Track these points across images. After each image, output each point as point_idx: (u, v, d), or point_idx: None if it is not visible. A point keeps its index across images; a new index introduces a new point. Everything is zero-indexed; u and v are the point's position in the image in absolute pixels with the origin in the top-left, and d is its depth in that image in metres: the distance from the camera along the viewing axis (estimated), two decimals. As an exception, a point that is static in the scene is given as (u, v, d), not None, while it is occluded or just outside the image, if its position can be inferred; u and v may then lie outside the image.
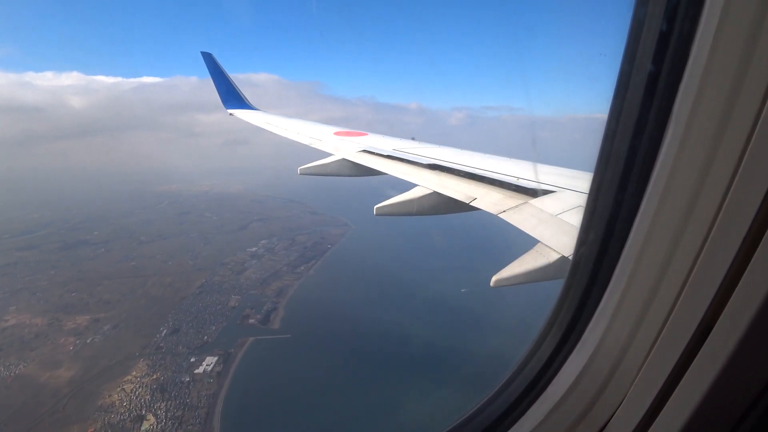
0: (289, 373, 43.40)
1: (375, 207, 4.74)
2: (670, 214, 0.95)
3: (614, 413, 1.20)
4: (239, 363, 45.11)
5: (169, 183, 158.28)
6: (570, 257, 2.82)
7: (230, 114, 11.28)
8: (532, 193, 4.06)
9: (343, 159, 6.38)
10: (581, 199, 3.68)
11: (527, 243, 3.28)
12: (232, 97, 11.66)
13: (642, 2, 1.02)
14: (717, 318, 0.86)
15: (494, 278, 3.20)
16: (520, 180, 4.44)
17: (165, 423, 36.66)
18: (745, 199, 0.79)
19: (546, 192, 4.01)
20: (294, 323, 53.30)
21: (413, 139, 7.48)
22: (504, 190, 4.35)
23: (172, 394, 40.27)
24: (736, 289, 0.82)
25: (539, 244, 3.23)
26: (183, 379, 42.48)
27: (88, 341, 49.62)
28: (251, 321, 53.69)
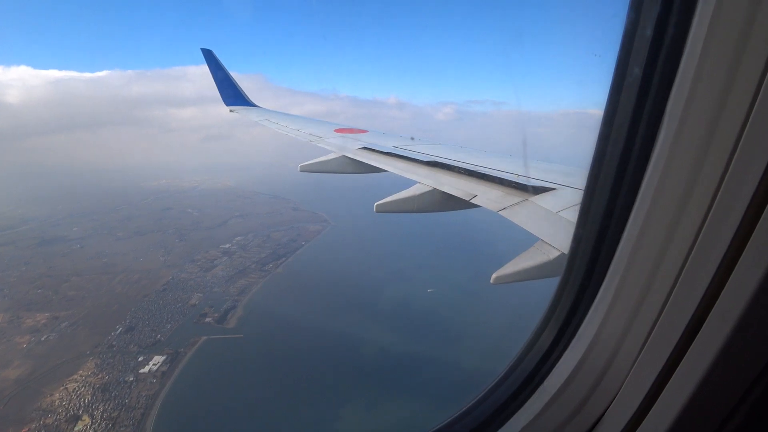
0: (234, 375, 42.89)
1: (375, 204, 4.70)
2: (662, 212, 0.98)
3: (609, 406, 1.25)
4: (186, 363, 44.73)
5: (159, 179, 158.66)
6: None
7: (231, 111, 11.19)
8: (532, 190, 4.04)
9: (343, 156, 6.39)
10: (581, 197, 3.31)
11: (527, 240, 3.26)
12: (232, 94, 11.55)
13: (635, 7, 1.05)
14: (707, 314, 0.89)
15: (494, 275, 3.18)
16: (520, 177, 4.42)
17: (99, 424, 36.45)
18: (735, 197, 0.81)
19: (546, 189, 3.99)
20: (250, 323, 52.74)
21: (412, 138, 7.52)
22: (504, 187, 4.34)
23: (113, 394, 40.04)
24: (726, 286, 0.84)
25: (539, 241, 3.22)
26: (127, 378, 42.24)
27: (42, 339, 49.61)
28: (207, 320, 53.28)
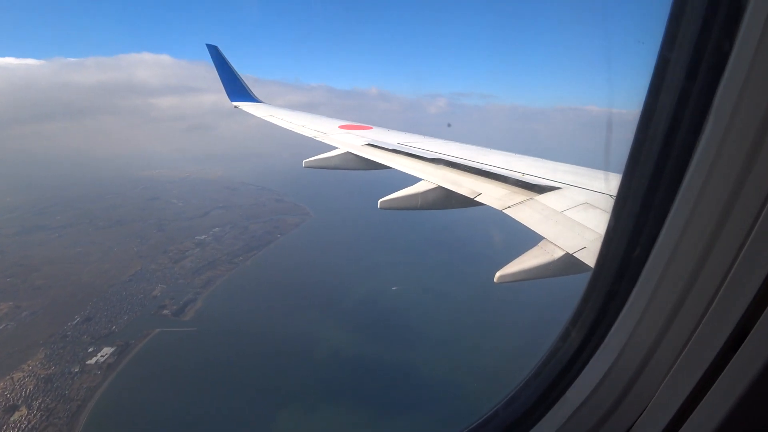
0: (179, 369, 42.47)
1: (379, 201, 4.67)
2: (705, 215, 0.92)
3: (636, 421, 1.18)
4: (133, 356, 44.49)
5: (151, 168, 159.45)
6: (574, 254, 2.86)
7: (235, 107, 11.31)
8: (538, 189, 4.01)
9: (348, 152, 6.39)
10: (587, 196, 3.67)
11: (531, 239, 3.19)
12: (237, 89, 11.73)
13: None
14: (752, 325, 0.82)
15: (498, 274, 3.10)
16: (526, 176, 4.39)
17: (34, 415, 36.41)
18: None
19: (552, 188, 3.97)
20: (206, 317, 52.30)
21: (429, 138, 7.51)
22: (509, 185, 4.33)
23: (55, 385, 40.01)
24: None
25: (543, 240, 3.18)
26: (72, 369, 42.19)
27: (0, 328, 49.94)
28: (165, 312, 53.09)
